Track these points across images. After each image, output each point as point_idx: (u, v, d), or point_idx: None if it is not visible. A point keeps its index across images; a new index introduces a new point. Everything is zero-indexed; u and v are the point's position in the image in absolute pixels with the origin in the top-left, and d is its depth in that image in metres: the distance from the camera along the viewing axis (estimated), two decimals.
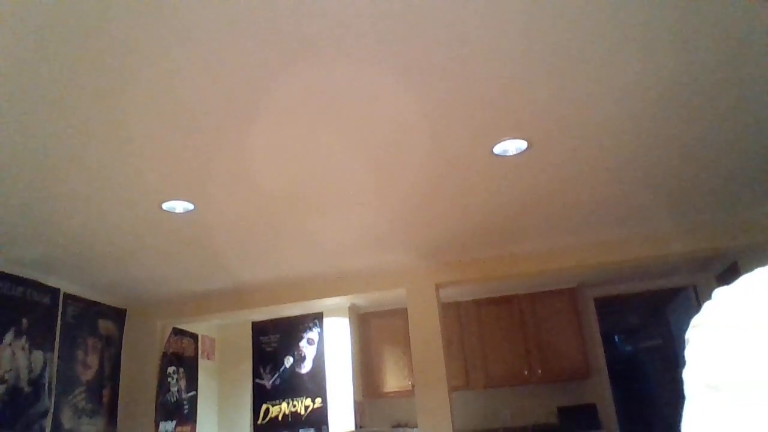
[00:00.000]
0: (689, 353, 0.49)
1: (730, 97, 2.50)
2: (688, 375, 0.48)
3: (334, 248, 4.12)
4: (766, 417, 0.40)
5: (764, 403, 0.41)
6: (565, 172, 3.14)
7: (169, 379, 5.13)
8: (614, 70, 2.23)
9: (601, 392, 5.79)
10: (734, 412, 0.42)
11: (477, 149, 2.79)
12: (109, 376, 4.71)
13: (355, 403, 5.53)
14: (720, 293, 0.49)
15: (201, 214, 3.29)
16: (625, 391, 7.25)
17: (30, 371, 3.85)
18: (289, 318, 5.87)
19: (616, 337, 8.03)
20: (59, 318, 4.20)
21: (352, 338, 5.75)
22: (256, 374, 5.88)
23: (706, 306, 0.49)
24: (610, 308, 6.50)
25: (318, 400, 5.60)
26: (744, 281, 0.48)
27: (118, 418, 4.73)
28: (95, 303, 4.62)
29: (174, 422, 5.11)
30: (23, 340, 3.82)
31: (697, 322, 0.49)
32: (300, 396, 5.67)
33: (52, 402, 4.03)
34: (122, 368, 4.87)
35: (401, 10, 1.81)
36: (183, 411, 5.29)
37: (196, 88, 2.12)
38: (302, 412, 5.62)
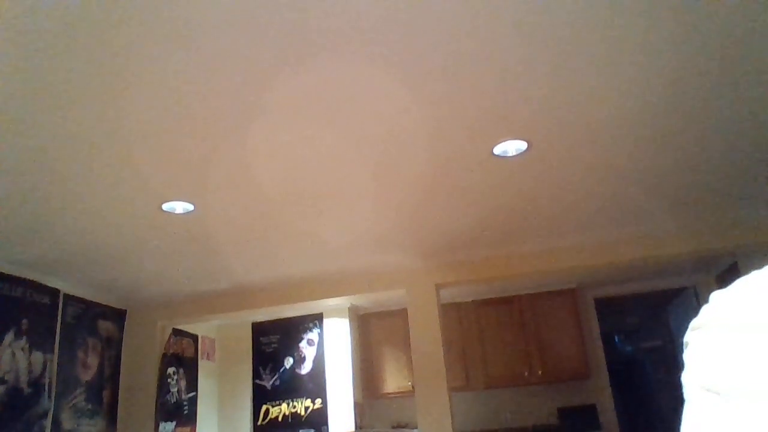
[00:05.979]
0: (688, 356, 0.49)
1: (730, 97, 2.50)
2: (687, 378, 0.48)
3: (334, 249, 4.12)
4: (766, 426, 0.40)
5: (764, 412, 0.40)
6: (565, 172, 3.14)
7: (169, 380, 5.13)
8: (614, 71, 2.23)
9: (601, 393, 5.79)
10: (734, 419, 0.42)
11: (477, 150, 2.79)
12: (109, 376, 4.71)
13: (355, 403, 5.53)
14: (717, 296, 0.49)
15: (201, 214, 3.29)
16: (625, 392, 7.25)
17: (30, 372, 3.85)
18: (289, 319, 5.87)
19: (616, 338, 8.02)
20: (59, 318, 4.20)
21: (352, 339, 5.75)
22: (256, 375, 5.88)
23: (704, 309, 0.49)
24: (610, 309, 6.50)
25: (318, 401, 5.60)
26: (740, 284, 0.48)
27: (118, 419, 4.73)
28: (95, 303, 4.62)
29: (174, 423, 5.11)
30: (23, 340, 3.82)
31: (695, 325, 0.49)
32: (300, 397, 5.67)
33: (52, 403, 4.03)
34: (122, 369, 4.87)
35: (401, 10, 1.81)
36: (183, 412, 5.29)
37: (196, 89, 2.12)
38: (302, 413, 5.62)
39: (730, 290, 0.48)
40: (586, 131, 2.70)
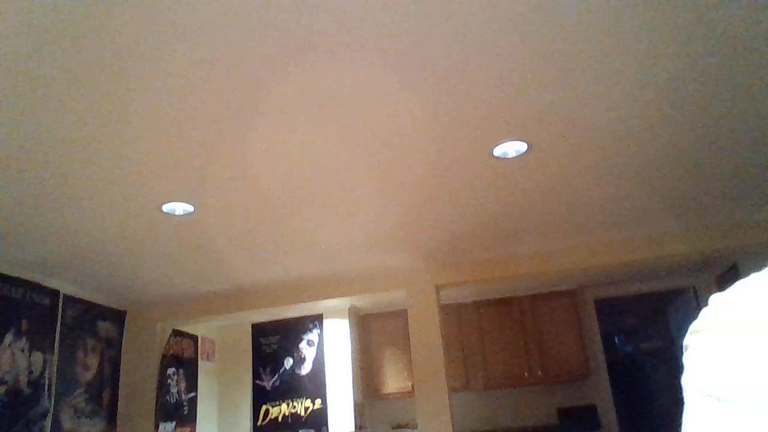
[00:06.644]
0: (688, 360, 0.49)
1: (729, 98, 2.50)
2: (687, 381, 0.48)
3: (334, 250, 4.12)
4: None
5: (764, 416, 0.40)
6: (565, 173, 3.15)
7: (169, 381, 5.13)
8: (614, 72, 2.23)
9: (601, 393, 5.79)
10: (734, 424, 0.42)
11: (477, 151, 2.79)
12: (109, 377, 4.71)
13: (355, 404, 5.52)
14: (716, 299, 0.49)
15: (201, 215, 3.29)
16: (625, 392, 7.25)
17: (30, 372, 3.85)
18: (289, 319, 5.87)
19: (616, 338, 8.02)
20: (59, 319, 4.20)
21: (352, 339, 5.75)
22: (255, 375, 5.88)
23: (703, 312, 0.49)
24: (610, 309, 6.50)
25: (318, 402, 5.60)
26: (739, 286, 0.48)
27: (117, 420, 4.73)
28: (95, 304, 4.62)
29: (174, 423, 5.11)
30: (23, 341, 3.82)
31: (694, 328, 0.49)
32: (300, 397, 5.67)
33: (52, 403, 4.03)
34: (122, 370, 4.87)
35: (401, 10, 1.81)
36: (183, 412, 5.29)
37: (197, 90, 2.12)
38: (302, 414, 5.62)
39: (730, 293, 0.48)
40: (585, 132, 2.70)
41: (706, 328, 0.48)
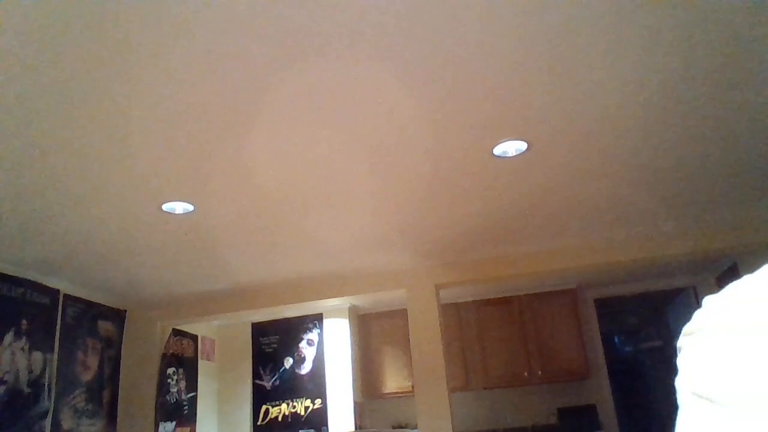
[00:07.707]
0: (681, 361, 0.49)
1: (729, 98, 2.50)
2: (680, 383, 0.48)
3: (334, 249, 4.12)
4: None
5: (758, 419, 0.40)
6: (565, 173, 3.14)
7: (169, 380, 5.13)
8: (613, 72, 2.23)
9: (601, 393, 5.79)
10: (726, 426, 0.42)
11: (477, 150, 2.79)
12: (109, 377, 4.71)
13: (355, 403, 5.52)
14: (709, 301, 0.49)
15: (201, 215, 3.29)
16: (624, 392, 7.25)
17: (30, 372, 3.85)
18: (288, 319, 5.87)
19: (615, 338, 8.02)
20: (59, 319, 4.19)
21: (351, 339, 5.75)
22: (255, 375, 5.88)
23: (697, 314, 0.49)
24: (610, 309, 6.50)
25: (318, 401, 5.60)
26: (732, 288, 0.48)
27: (117, 419, 4.73)
28: (95, 304, 4.62)
29: (174, 423, 5.11)
30: (23, 341, 3.82)
31: (688, 330, 0.49)
32: (300, 397, 5.67)
33: (52, 403, 4.03)
34: (122, 369, 4.87)
35: (401, 11, 1.81)
36: (183, 412, 5.29)
37: (196, 89, 2.12)
38: (302, 413, 5.62)
39: (723, 294, 0.48)
40: (585, 131, 2.70)
41: (699, 330, 0.47)
